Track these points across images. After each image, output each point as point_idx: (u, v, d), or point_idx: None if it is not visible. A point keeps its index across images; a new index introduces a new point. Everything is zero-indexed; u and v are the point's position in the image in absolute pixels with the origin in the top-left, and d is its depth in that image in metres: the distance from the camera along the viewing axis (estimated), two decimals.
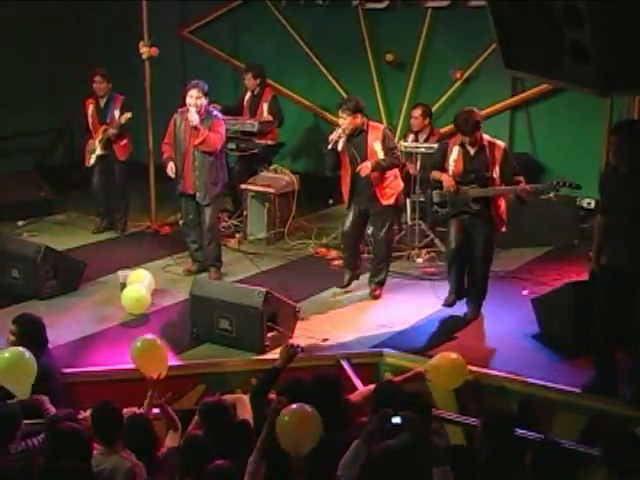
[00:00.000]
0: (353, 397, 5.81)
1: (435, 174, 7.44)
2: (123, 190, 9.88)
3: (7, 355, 5.74)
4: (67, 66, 11.27)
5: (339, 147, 7.72)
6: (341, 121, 7.71)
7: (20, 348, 5.81)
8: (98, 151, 9.66)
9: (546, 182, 7.40)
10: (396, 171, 7.96)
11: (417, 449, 4.57)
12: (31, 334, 6.13)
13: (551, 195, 9.30)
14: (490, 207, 7.25)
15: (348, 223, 7.99)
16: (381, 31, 10.74)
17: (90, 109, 9.72)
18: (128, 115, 9.46)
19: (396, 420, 4.59)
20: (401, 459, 4.55)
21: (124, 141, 9.71)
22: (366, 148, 7.72)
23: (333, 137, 7.74)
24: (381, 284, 8.10)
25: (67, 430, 4.82)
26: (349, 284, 8.14)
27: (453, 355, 6.43)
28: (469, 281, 7.52)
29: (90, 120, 9.73)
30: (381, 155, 7.69)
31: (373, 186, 7.78)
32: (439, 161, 7.46)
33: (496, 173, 7.18)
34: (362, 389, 6.05)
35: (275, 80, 10.84)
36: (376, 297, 8.04)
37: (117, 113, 9.60)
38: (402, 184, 8.08)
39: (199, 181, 8.28)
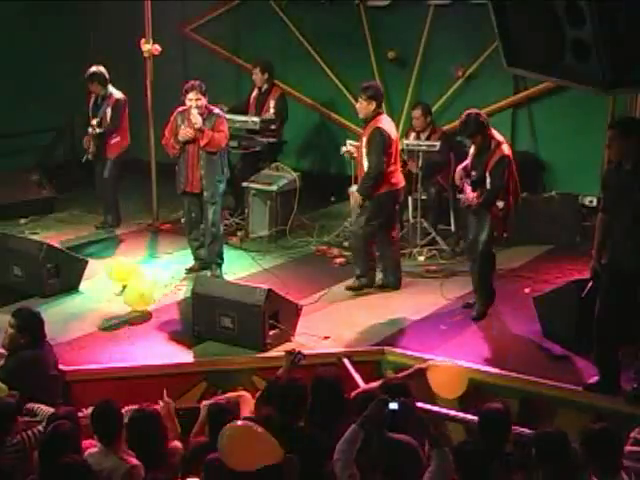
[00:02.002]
0: (354, 395, 5.81)
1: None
2: (110, 188, 9.80)
3: None
4: (68, 64, 11.25)
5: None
6: (357, 105, 8.01)
7: None
8: (91, 148, 9.65)
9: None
10: None
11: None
12: (30, 327, 6.18)
13: (553, 193, 9.34)
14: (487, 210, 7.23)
15: None
16: (383, 29, 10.74)
17: (90, 103, 9.75)
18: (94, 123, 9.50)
19: (393, 406, 4.62)
20: None
21: (114, 139, 9.64)
22: (362, 142, 7.98)
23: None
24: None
25: (56, 429, 4.82)
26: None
27: (457, 366, 6.48)
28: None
29: (90, 114, 9.75)
30: (365, 152, 7.91)
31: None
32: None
33: (487, 178, 7.12)
34: (363, 387, 6.05)
35: (277, 77, 10.82)
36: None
37: (109, 112, 9.57)
38: (382, 184, 7.91)
39: (206, 180, 8.27)
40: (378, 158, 7.80)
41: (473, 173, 7.24)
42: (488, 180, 7.11)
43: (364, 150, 7.90)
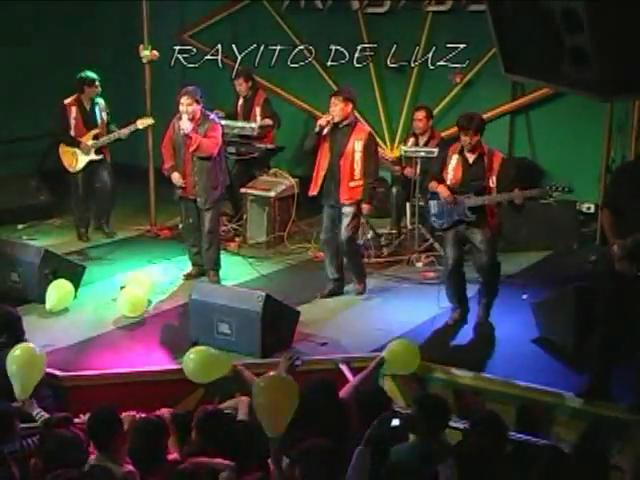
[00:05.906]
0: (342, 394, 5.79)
1: (432, 185, 7.39)
2: (112, 192, 9.82)
3: (19, 352, 5.79)
4: (67, 69, 11.25)
5: (324, 132, 7.86)
6: (332, 107, 7.83)
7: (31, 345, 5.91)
8: (92, 156, 9.54)
9: (539, 188, 7.42)
10: None
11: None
12: (8, 326, 6.17)
13: (550, 200, 9.33)
14: (486, 215, 7.22)
15: (325, 227, 8.16)
16: (381, 35, 10.76)
17: (74, 112, 9.54)
18: (149, 122, 9.50)
19: (395, 422, 4.61)
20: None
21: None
22: (346, 144, 7.86)
23: (321, 122, 7.86)
24: (361, 277, 8.24)
25: (62, 435, 4.79)
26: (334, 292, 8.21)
27: (405, 341, 6.71)
28: (479, 288, 7.53)
29: (73, 123, 9.54)
30: (358, 156, 7.82)
31: (338, 184, 7.92)
32: (439, 171, 7.40)
33: (493, 182, 7.11)
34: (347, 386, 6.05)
35: (275, 84, 10.84)
36: (361, 293, 8.18)
37: (105, 116, 9.55)
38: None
39: (199, 186, 8.26)
40: (378, 161, 8.10)
41: (473, 183, 7.19)
42: (494, 184, 7.09)
43: (357, 155, 7.82)
